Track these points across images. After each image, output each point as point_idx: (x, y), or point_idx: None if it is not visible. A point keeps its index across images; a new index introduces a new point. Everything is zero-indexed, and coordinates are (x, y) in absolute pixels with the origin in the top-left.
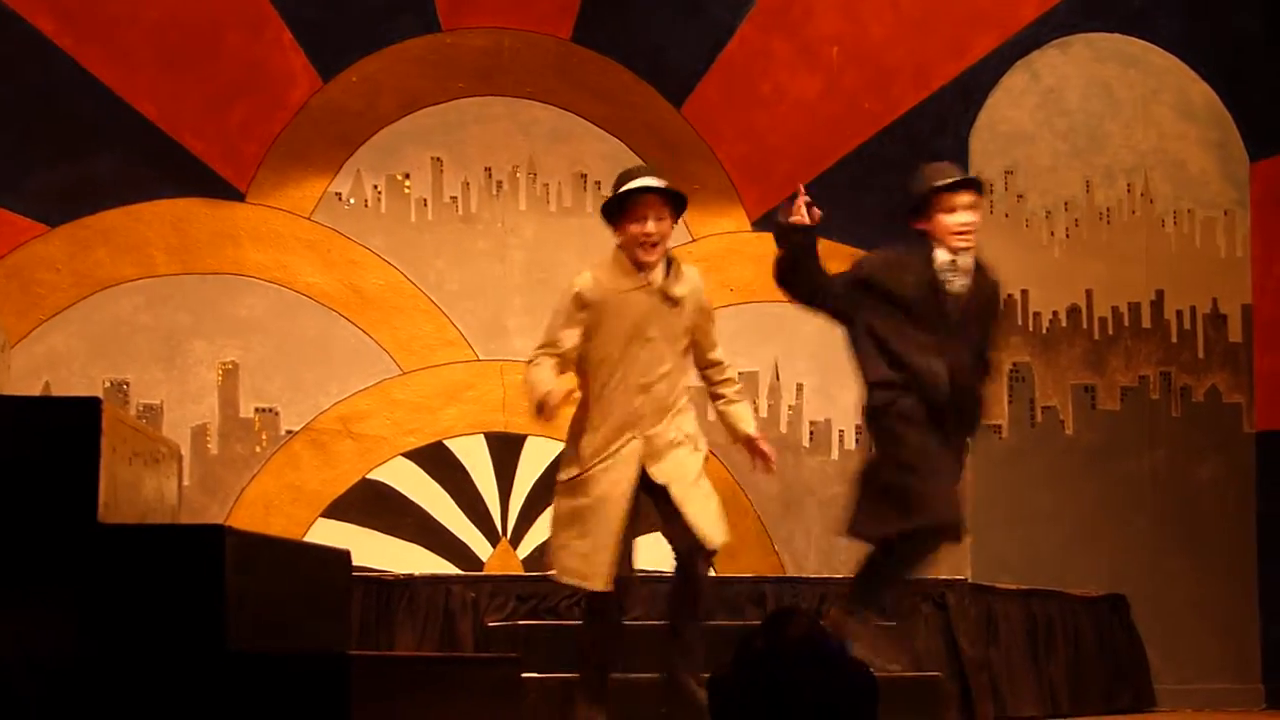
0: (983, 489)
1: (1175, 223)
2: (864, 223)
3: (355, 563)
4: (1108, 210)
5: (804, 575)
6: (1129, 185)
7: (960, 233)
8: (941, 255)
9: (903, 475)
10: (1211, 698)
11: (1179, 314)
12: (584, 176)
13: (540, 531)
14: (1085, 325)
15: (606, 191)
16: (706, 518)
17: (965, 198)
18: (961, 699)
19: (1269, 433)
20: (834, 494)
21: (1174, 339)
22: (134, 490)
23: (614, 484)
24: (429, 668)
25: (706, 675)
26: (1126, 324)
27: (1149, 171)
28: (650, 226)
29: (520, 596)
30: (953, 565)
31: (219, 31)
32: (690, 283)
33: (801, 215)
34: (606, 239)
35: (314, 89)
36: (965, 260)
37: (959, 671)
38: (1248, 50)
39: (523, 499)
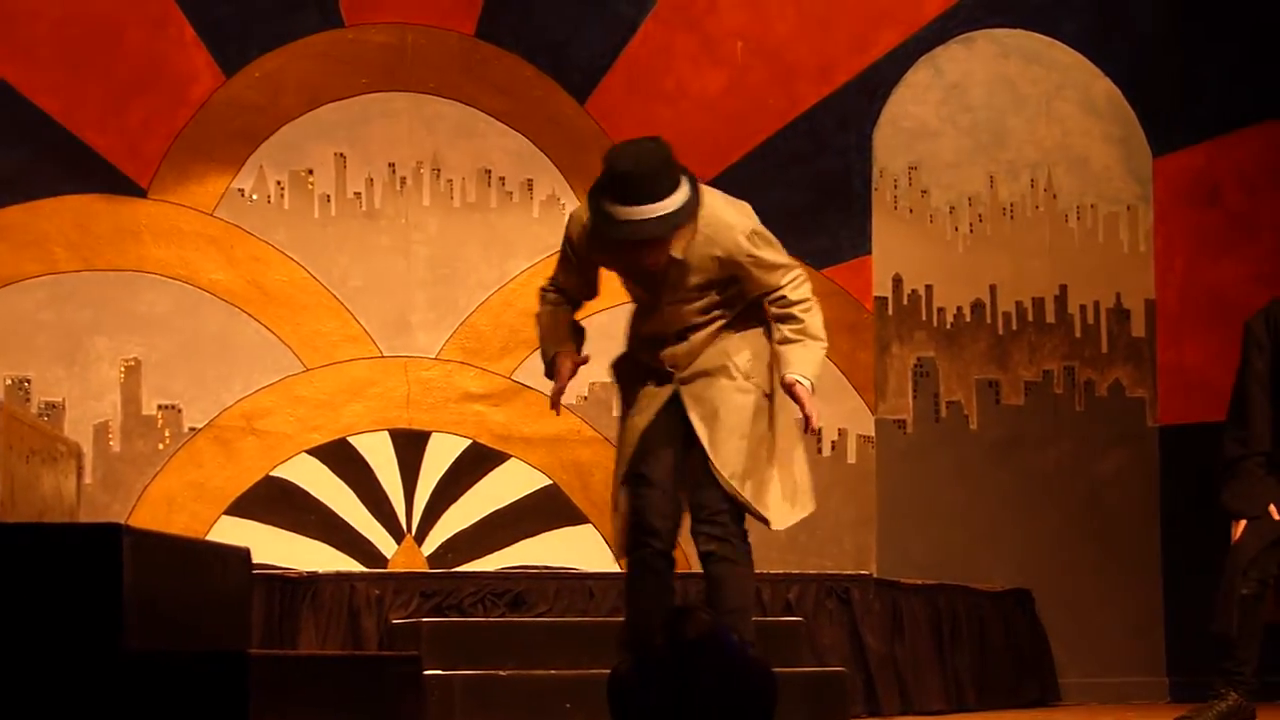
0: (888, 484)
1: (1079, 218)
2: (767, 219)
3: (259, 560)
4: (1011, 206)
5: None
6: (1033, 181)
7: None
8: None
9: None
10: (1117, 691)
11: (1083, 309)
12: (488, 172)
13: (445, 528)
14: (989, 320)
15: (510, 187)
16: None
17: None
18: (867, 693)
19: (1172, 427)
20: None
21: (1078, 334)
22: (31, 488)
23: None
24: (329, 667)
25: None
26: (1030, 319)
27: (1052, 167)
28: (646, 261)
29: (424, 593)
30: (858, 560)
31: (120, 28)
32: (696, 243)
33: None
34: (511, 234)
35: (216, 85)
36: None
37: (864, 666)
38: (1150, 46)
39: (427, 496)
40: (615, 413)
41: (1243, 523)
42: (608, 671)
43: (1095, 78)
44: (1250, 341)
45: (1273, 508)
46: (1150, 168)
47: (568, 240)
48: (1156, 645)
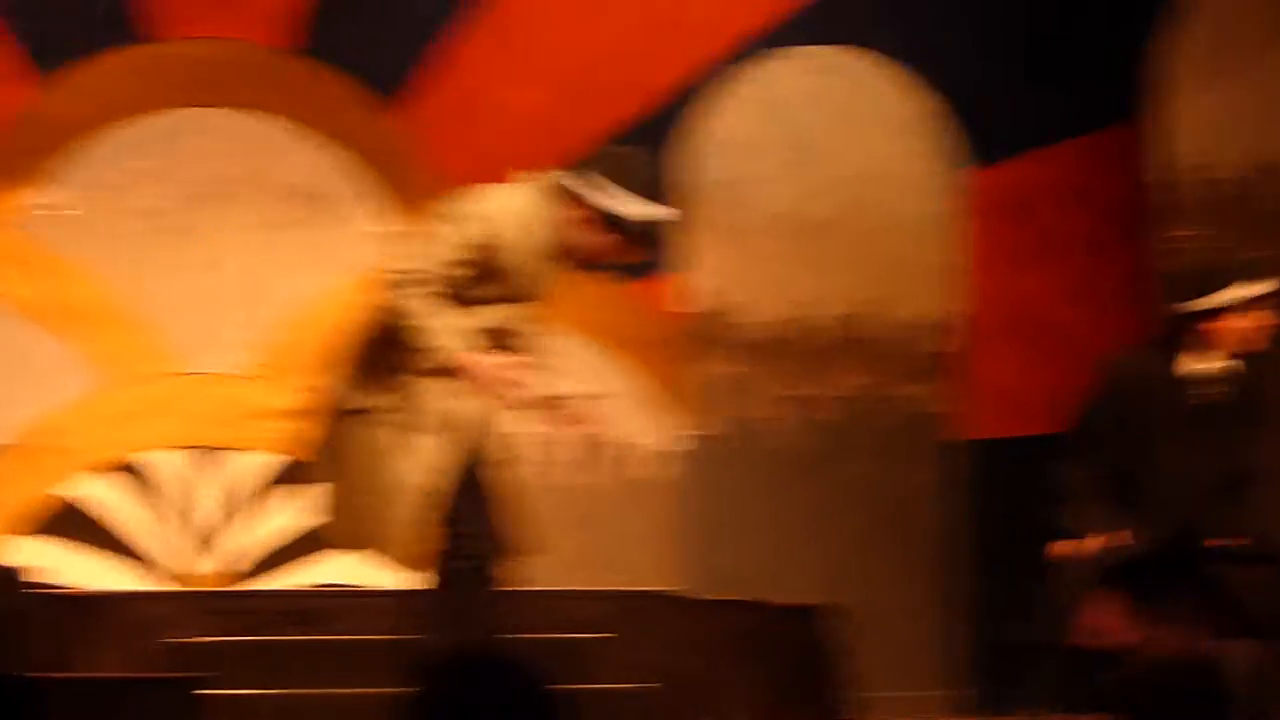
0: (695, 499)
1: (889, 233)
2: None
3: (51, 580)
4: (823, 221)
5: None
6: (846, 196)
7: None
8: None
9: None
10: (922, 704)
11: (891, 323)
12: (295, 187)
13: (241, 546)
14: (798, 335)
15: (324, 203)
16: None
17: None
18: (669, 709)
19: (978, 441)
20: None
21: (887, 349)
22: None
23: None
24: (108, 688)
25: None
26: (839, 334)
27: (865, 182)
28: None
29: (215, 612)
30: (662, 577)
31: None
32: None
33: None
34: (323, 251)
35: (23, 98)
36: None
37: (667, 682)
38: (963, 62)
39: (224, 514)
40: None
41: (1065, 542)
42: (403, 690)
43: (909, 92)
44: (1102, 383)
45: (1096, 536)
46: (962, 181)
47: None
48: (960, 659)
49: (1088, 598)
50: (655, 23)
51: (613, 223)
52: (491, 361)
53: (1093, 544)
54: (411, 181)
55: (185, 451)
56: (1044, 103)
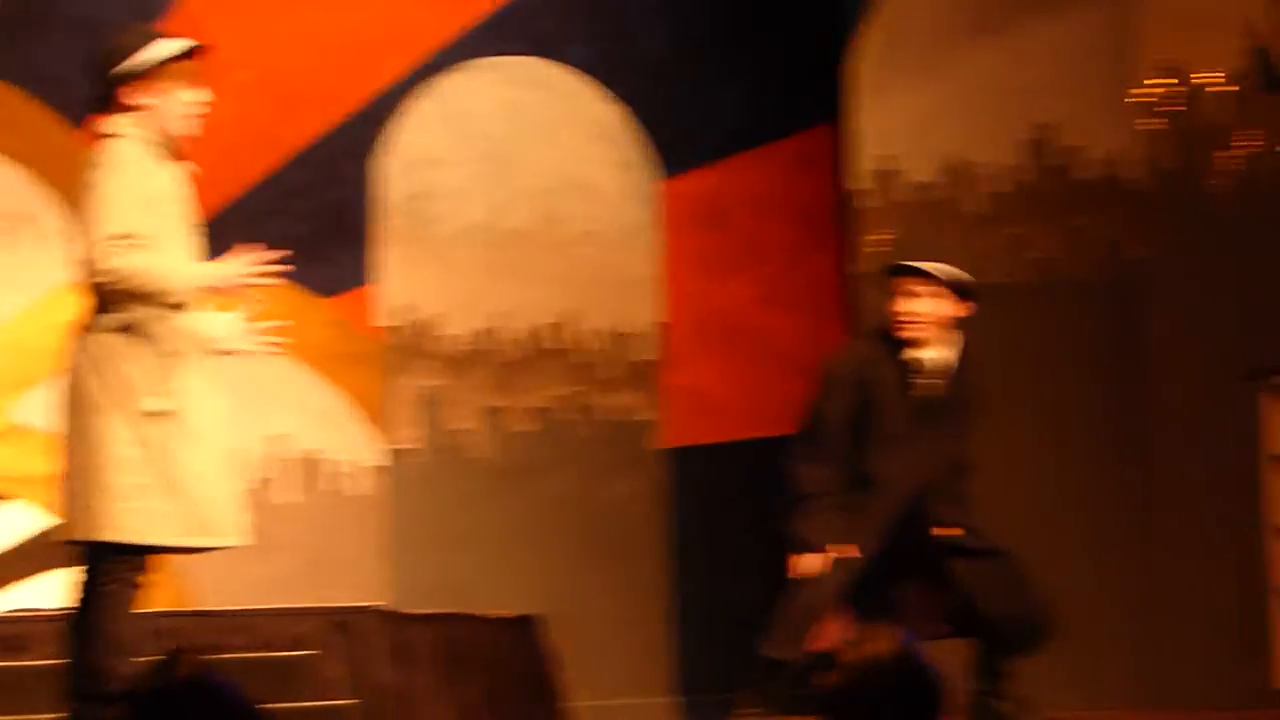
0: (399, 514)
1: (585, 243)
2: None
3: None
4: (518, 232)
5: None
6: (539, 207)
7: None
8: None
9: None
10: (626, 713)
11: (590, 333)
12: None
13: None
14: (496, 347)
15: (17, 224)
16: None
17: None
18: None
19: (678, 449)
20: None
21: (585, 359)
22: None
23: None
24: None
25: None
26: (537, 345)
27: (560, 193)
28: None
29: None
30: (370, 592)
31: None
32: None
33: None
34: (11, 270)
35: None
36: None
37: (373, 698)
38: (655, 72)
39: None
40: None
41: (807, 557)
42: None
43: (601, 103)
44: (833, 381)
45: (833, 550)
46: (656, 191)
47: None
48: (665, 667)
49: (818, 606)
50: (344, 37)
51: None
52: (232, 266)
53: (827, 558)
54: None
55: None
56: (736, 110)
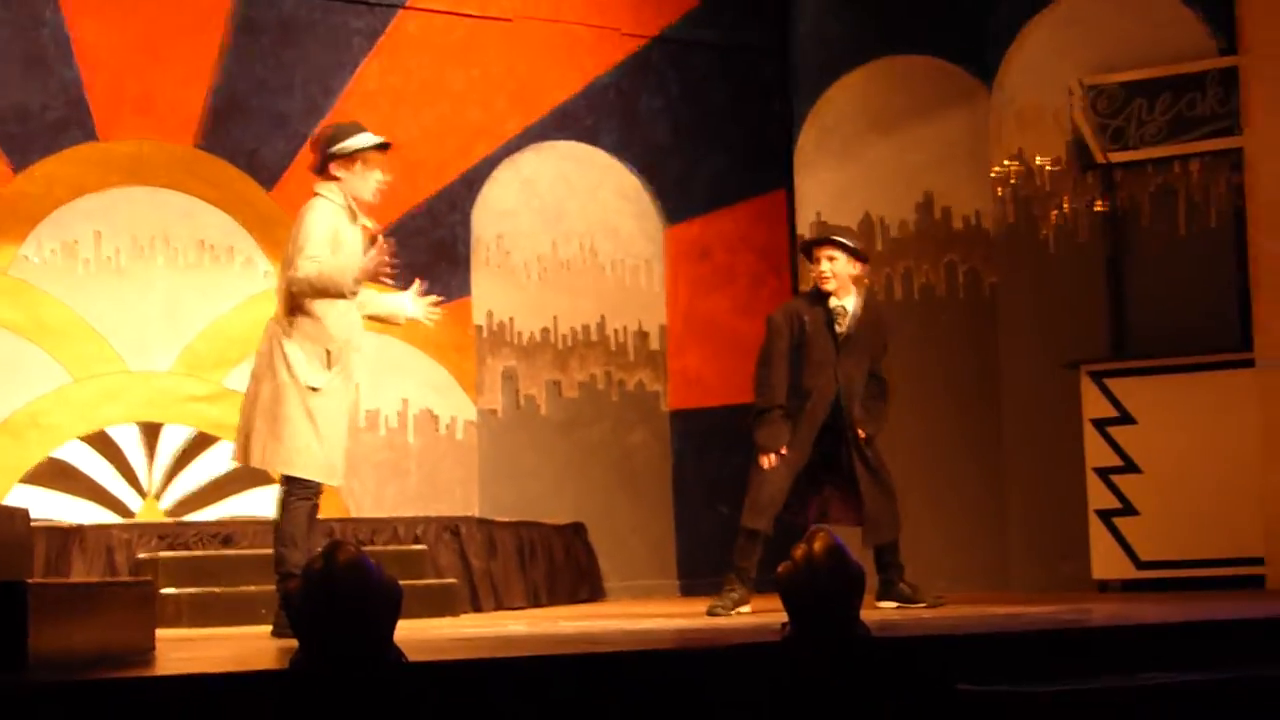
0: (485, 453)
1: (614, 269)
2: (403, 276)
3: (40, 516)
4: (568, 261)
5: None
6: (581, 244)
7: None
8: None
9: None
10: (644, 589)
11: (616, 331)
12: (203, 241)
13: (176, 490)
14: (553, 339)
15: (223, 254)
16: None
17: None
18: (471, 597)
19: (678, 411)
20: (380, 460)
21: (613, 348)
22: None
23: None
24: (89, 590)
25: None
26: (582, 338)
27: (595, 235)
28: (380, 175)
29: (161, 536)
30: (468, 506)
31: None
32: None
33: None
34: (220, 283)
35: (8, 181)
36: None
37: (469, 579)
38: (660, 153)
39: (163, 467)
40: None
41: (770, 456)
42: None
43: (624, 173)
44: (772, 329)
45: (784, 448)
46: (662, 234)
47: None
48: (670, 558)
49: (775, 489)
50: (448, 124)
51: None
52: (371, 259)
53: (780, 455)
54: (279, 236)
55: (134, 425)
56: (716, 179)
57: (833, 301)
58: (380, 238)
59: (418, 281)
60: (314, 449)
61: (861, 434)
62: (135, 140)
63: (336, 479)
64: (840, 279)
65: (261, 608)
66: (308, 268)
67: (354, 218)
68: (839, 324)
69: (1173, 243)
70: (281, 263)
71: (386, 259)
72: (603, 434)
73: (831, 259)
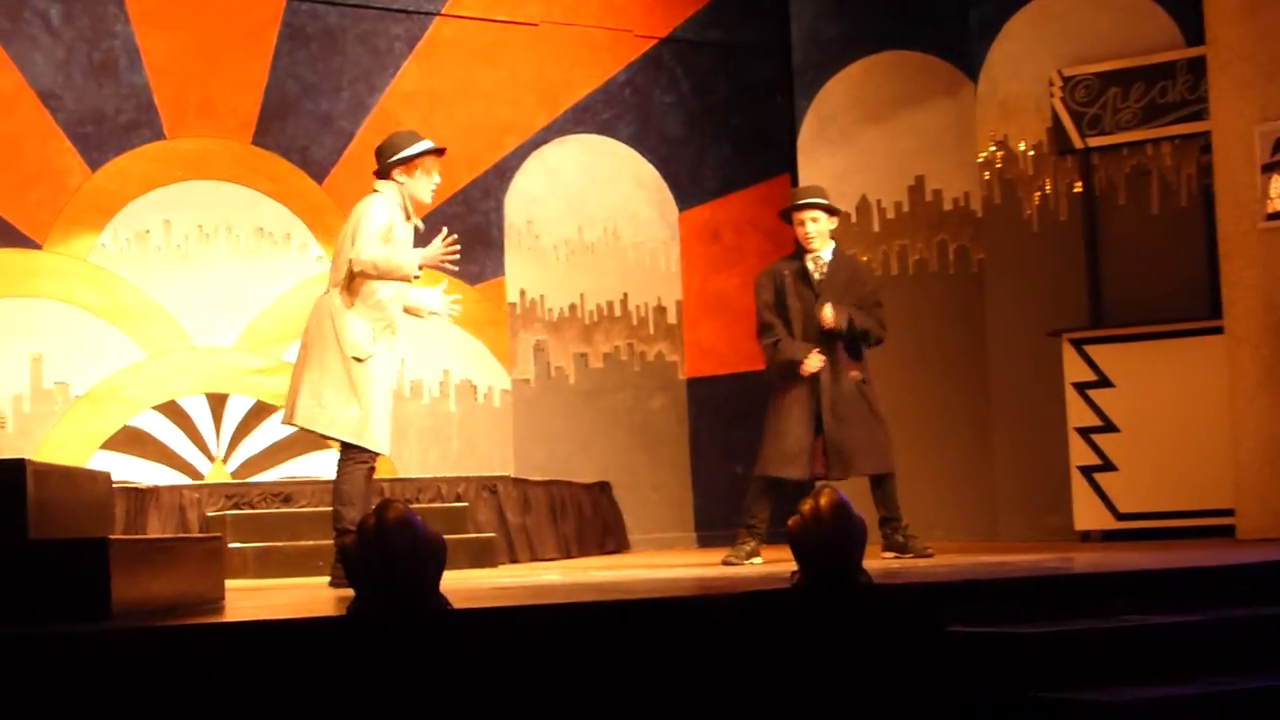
0: (519, 418)
1: (634, 251)
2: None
3: (118, 478)
4: (592, 244)
5: (408, 476)
6: (604, 228)
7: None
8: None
9: None
10: (664, 542)
11: (638, 307)
12: (262, 229)
13: (241, 453)
14: (580, 315)
15: (280, 240)
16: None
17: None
18: (508, 549)
19: (693, 379)
20: (424, 426)
21: (635, 322)
22: None
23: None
24: (164, 545)
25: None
26: (606, 314)
27: (616, 220)
28: (436, 178)
29: (228, 496)
30: (504, 465)
31: (20, 141)
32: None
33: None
34: (278, 269)
35: (86, 177)
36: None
37: (506, 533)
38: (674, 143)
39: (229, 434)
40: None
41: (808, 360)
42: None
43: (641, 163)
44: (758, 285)
45: (815, 354)
46: (677, 218)
47: None
48: (688, 513)
49: (789, 437)
50: (480, 120)
51: None
52: (430, 249)
53: (813, 354)
54: (333, 225)
55: (202, 396)
56: (725, 167)
57: (810, 255)
58: (444, 230)
59: (445, 280)
60: (358, 417)
61: (855, 375)
62: (198, 139)
63: (376, 446)
64: (822, 235)
65: (319, 560)
66: (373, 251)
67: (407, 216)
68: (819, 271)
69: (1146, 220)
70: (337, 246)
71: (445, 249)
72: (625, 400)
73: (815, 220)
